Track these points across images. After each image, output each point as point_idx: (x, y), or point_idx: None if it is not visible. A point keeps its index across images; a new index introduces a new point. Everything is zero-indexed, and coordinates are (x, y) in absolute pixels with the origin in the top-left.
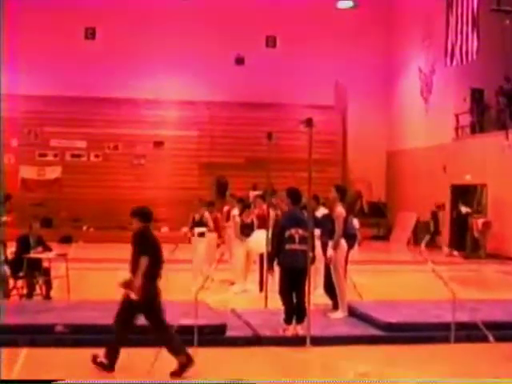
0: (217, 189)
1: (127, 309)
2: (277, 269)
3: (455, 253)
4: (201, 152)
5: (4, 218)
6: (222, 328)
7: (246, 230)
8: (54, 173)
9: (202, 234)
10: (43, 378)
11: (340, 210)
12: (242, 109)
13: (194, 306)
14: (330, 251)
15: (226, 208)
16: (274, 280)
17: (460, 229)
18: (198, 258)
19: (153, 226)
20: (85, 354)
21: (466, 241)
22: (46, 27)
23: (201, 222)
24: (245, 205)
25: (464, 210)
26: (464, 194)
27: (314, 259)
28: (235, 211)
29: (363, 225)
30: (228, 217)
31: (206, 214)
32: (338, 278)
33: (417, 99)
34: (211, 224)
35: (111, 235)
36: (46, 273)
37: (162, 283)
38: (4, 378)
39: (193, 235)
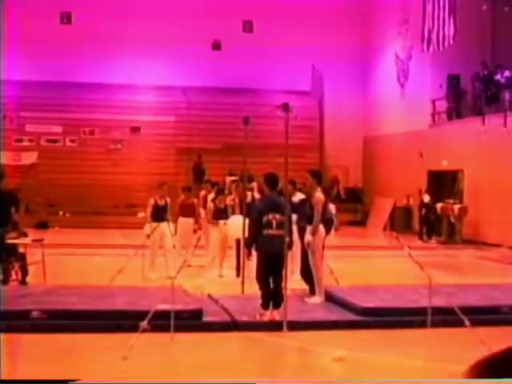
0: (194, 174)
1: None
2: (254, 254)
3: (432, 241)
4: (178, 137)
5: None
6: (198, 313)
7: (219, 215)
8: (29, 158)
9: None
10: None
11: (319, 195)
12: (218, 94)
13: (170, 292)
14: (308, 236)
15: (202, 193)
16: (251, 265)
17: (425, 217)
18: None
19: (129, 212)
20: (61, 339)
21: (440, 227)
22: (22, 12)
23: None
24: (219, 190)
25: (426, 198)
26: (440, 179)
27: (291, 244)
28: (211, 196)
29: (340, 210)
30: (205, 202)
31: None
32: (314, 264)
33: (393, 85)
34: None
35: (87, 220)
36: (22, 258)
37: (137, 268)
38: (4, 377)
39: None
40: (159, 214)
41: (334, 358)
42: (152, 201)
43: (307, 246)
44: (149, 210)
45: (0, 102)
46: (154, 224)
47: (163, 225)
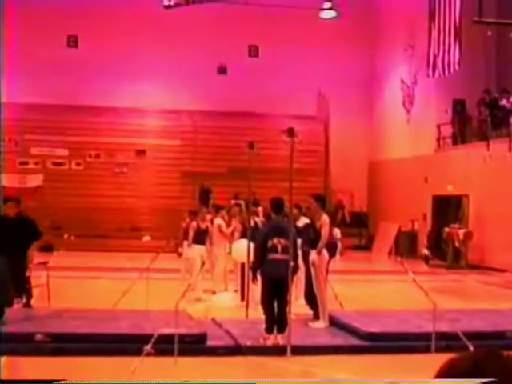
0: (200, 198)
1: None
2: (259, 278)
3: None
4: (183, 161)
5: None
6: (202, 337)
7: (198, 237)
8: (35, 181)
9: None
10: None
11: (325, 218)
12: (224, 118)
13: (174, 315)
14: (313, 255)
15: (208, 217)
16: (255, 289)
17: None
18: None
19: (134, 235)
20: (65, 362)
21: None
22: (29, 35)
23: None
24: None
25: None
26: (445, 204)
27: (296, 269)
28: (218, 220)
29: (345, 234)
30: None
31: (194, 224)
32: (318, 288)
33: (399, 110)
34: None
35: (92, 243)
36: (27, 281)
37: (143, 292)
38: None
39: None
40: (199, 237)
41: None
42: (194, 224)
43: (312, 266)
44: (191, 233)
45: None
46: (197, 246)
47: (201, 248)
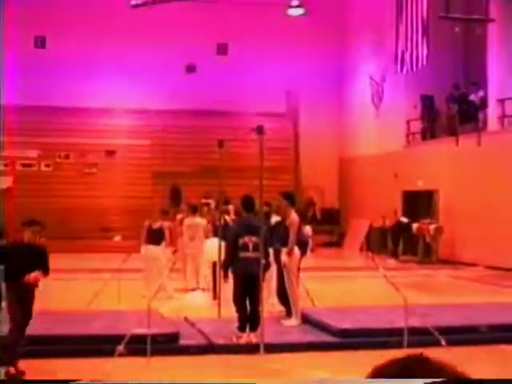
0: (171, 197)
1: None
2: (231, 276)
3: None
4: (153, 161)
5: None
6: (175, 336)
7: (150, 237)
8: (4, 183)
9: (158, 243)
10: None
11: (294, 216)
12: (194, 117)
13: (146, 315)
14: (283, 257)
15: (179, 216)
16: (227, 288)
17: (402, 237)
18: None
19: (105, 235)
20: (38, 364)
21: (416, 247)
22: None
23: (158, 232)
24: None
25: (404, 220)
26: (415, 199)
27: (268, 266)
28: (198, 219)
29: (316, 231)
30: (181, 225)
31: (165, 224)
32: (290, 285)
33: (368, 106)
34: (167, 234)
35: (64, 245)
36: None
37: (115, 293)
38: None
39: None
40: (153, 237)
41: (313, 380)
42: (146, 223)
43: (283, 267)
44: (143, 233)
45: None
46: (150, 247)
47: (155, 248)
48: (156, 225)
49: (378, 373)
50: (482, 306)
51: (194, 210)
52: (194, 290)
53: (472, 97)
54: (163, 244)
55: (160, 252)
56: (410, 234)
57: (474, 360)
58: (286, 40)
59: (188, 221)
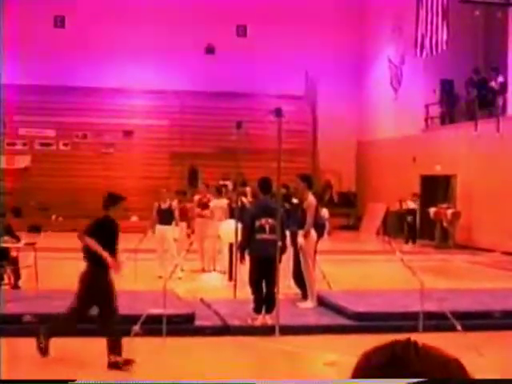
0: (189, 178)
1: None
2: (247, 258)
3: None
4: (171, 141)
5: None
6: (190, 317)
7: (162, 217)
8: (23, 162)
9: (168, 223)
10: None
11: (311, 199)
12: (212, 98)
13: (162, 296)
14: (300, 239)
15: (196, 197)
16: (243, 269)
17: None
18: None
19: (122, 215)
20: (53, 343)
21: (433, 231)
22: (15, 15)
23: (167, 211)
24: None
25: (411, 205)
26: (433, 184)
27: (284, 249)
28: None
29: (333, 215)
30: (199, 206)
31: (174, 204)
32: (306, 268)
33: (387, 90)
34: (177, 214)
35: (80, 224)
36: (14, 262)
37: (131, 273)
38: (4, 378)
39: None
40: (162, 217)
41: (326, 362)
42: (156, 204)
43: (300, 249)
44: (154, 213)
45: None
46: (160, 227)
47: (166, 228)
48: (165, 205)
49: (365, 362)
50: (497, 292)
51: (219, 191)
52: (210, 271)
53: (492, 83)
54: (173, 224)
55: (170, 232)
56: (426, 218)
57: (489, 345)
58: (305, 23)
59: (215, 202)
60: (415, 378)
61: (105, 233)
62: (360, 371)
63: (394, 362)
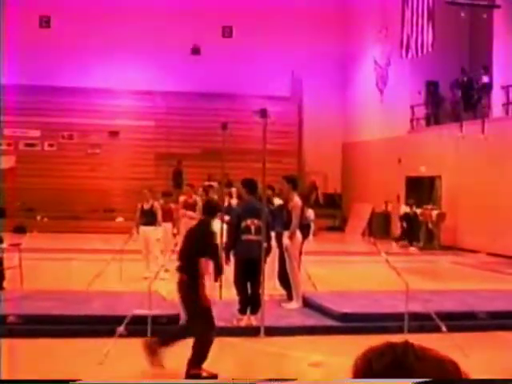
0: (173, 179)
1: None
2: (232, 259)
3: (412, 248)
4: (157, 142)
5: None
6: (175, 318)
7: (144, 219)
8: (7, 162)
9: (151, 224)
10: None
11: (296, 200)
12: (198, 99)
13: (147, 296)
14: (285, 240)
15: (181, 198)
16: (228, 270)
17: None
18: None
19: (107, 217)
20: (38, 344)
21: (417, 233)
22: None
23: (150, 212)
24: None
25: (404, 209)
26: (418, 185)
27: (269, 249)
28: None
29: (318, 216)
30: (184, 207)
31: (156, 204)
32: (291, 269)
33: (372, 91)
34: (159, 214)
35: (65, 225)
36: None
37: (116, 274)
38: (4, 377)
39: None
40: (145, 218)
41: (311, 363)
42: (139, 205)
43: (285, 250)
44: (137, 214)
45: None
46: (142, 228)
47: (149, 229)
48: (147, 206)
49: (365, 367)
50: (482, 293)
51: (207, 192)
52: None
53: (481, 80)
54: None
55: (153, 233)
56: (414, 219)
57: (474, 346)
58: (291, 23)
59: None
60: (415, 378)
61: None
62: (361, 376)
63: (396, 366)
